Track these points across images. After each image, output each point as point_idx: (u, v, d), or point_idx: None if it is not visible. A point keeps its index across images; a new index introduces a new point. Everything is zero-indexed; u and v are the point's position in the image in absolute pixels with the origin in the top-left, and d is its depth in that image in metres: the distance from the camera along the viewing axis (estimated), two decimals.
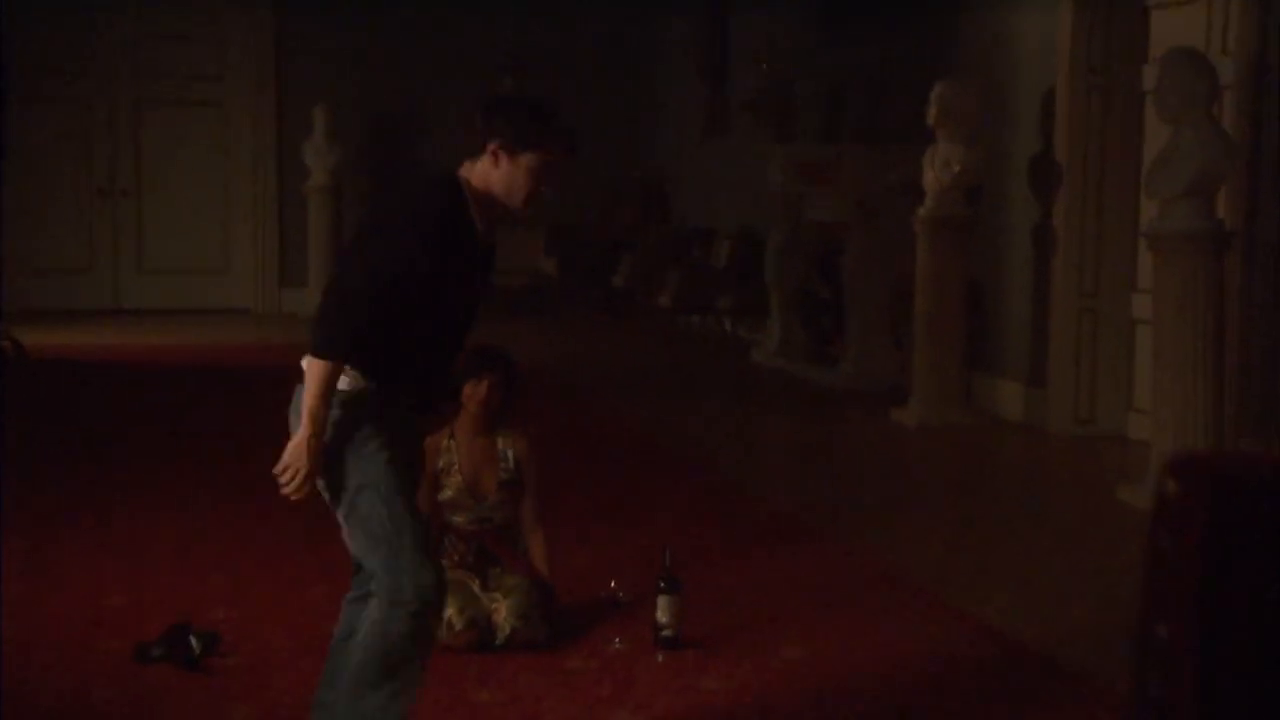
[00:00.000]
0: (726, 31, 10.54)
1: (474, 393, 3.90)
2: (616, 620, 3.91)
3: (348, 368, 2.96)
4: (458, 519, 3.93)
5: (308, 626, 3.80)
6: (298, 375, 2.93)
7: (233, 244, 11.50)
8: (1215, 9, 6.04)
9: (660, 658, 3.70)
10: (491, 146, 3.00)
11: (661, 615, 3.75)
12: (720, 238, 10.19)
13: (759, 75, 9.53)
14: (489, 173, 3.00)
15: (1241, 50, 5.60)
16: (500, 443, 3.97)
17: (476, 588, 3.84)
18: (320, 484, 2.98)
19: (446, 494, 3.93)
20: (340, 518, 3.00)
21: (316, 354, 2.92)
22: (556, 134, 3.05)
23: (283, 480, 2.93)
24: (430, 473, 3.82)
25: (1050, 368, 6.73)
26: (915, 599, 4.23)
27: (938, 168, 6.86)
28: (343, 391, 2.95)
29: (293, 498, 2.93)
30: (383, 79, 11.29)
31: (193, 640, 3.62)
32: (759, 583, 4.35)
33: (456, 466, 3.95)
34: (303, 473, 2.91)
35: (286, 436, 2.93)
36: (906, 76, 7.65)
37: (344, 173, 10.93)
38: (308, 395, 2.93)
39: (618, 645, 3.76)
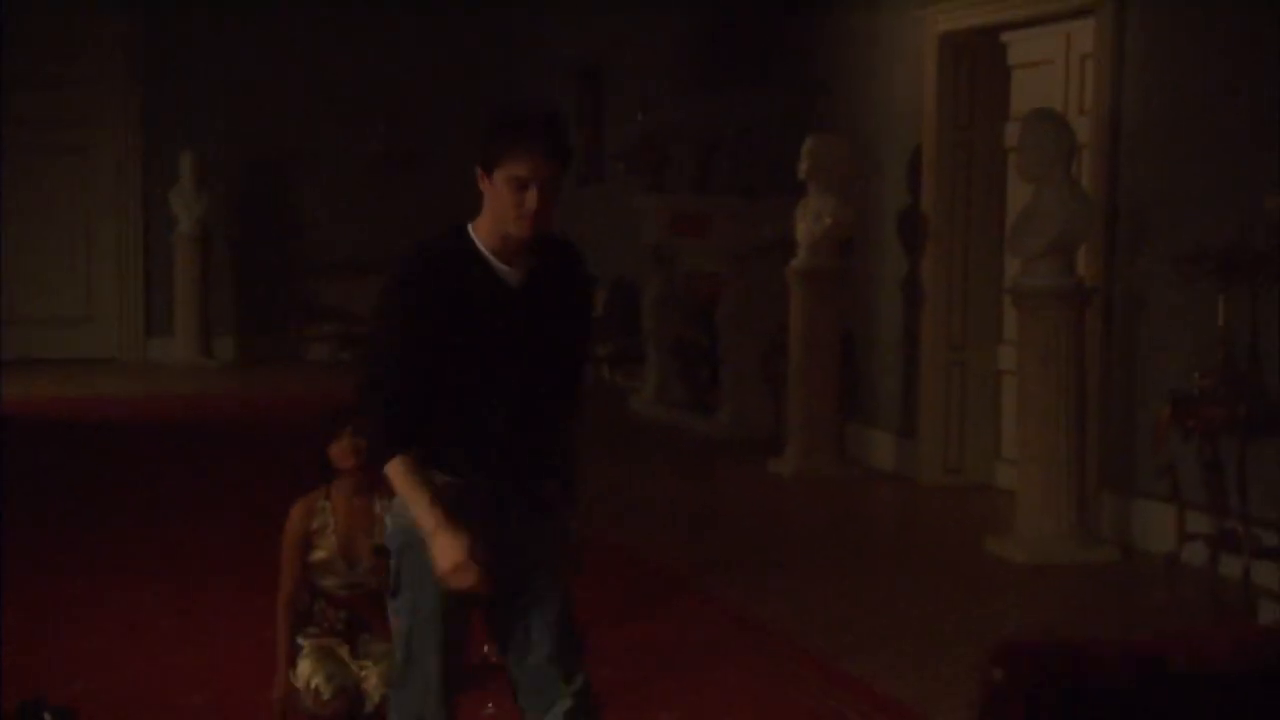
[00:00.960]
0: (600, 80, 10.60)
1: (340, 452, 3.83)
2: (489, 686, 3.87)
3: (433, 472, 2.76)
4: (328, 583, 3.85)
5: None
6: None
7: (97, 293, 11.23)
8: (1072, 69, 6.24)
9: None
10: (479, 173, 2.75)
11: None
12: (597, 286, 10.21)
13: (633, 125, 9.60)
14: (488, 204, 2.72)
15: (1098, 109, 5.79)
16: (378, 506, 3.90)
17: (346, 655, 3.77)
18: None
19: (319, 555, 3.85)
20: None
21: (377, 462, 2.78)
22: (522, 141, 2.67)
23: (459, 585, 2.75)
24: (302, 534, 3.75)
25: (920, 418, 6.85)
26: (792, 656, 4.25)
27: (809, 220, 6.96)
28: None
29: (482, 591, 2.76)
30: (254, 123, 11.15)
31: (46, 717, 3.49)
32: (636, 643, 4.34)
33: (331, 528, 3.87)
34: (466, 572, 2.70)
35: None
36: (779, 130, 7.76)
37: (213, 219, 10.75)
38: (408, 502, 2.76)
39: (489, 711, 3.71)
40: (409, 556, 2.82)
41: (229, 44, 11.08)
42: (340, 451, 3.83)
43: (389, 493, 3.89)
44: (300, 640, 3.80)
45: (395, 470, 2.73)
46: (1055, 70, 6.34)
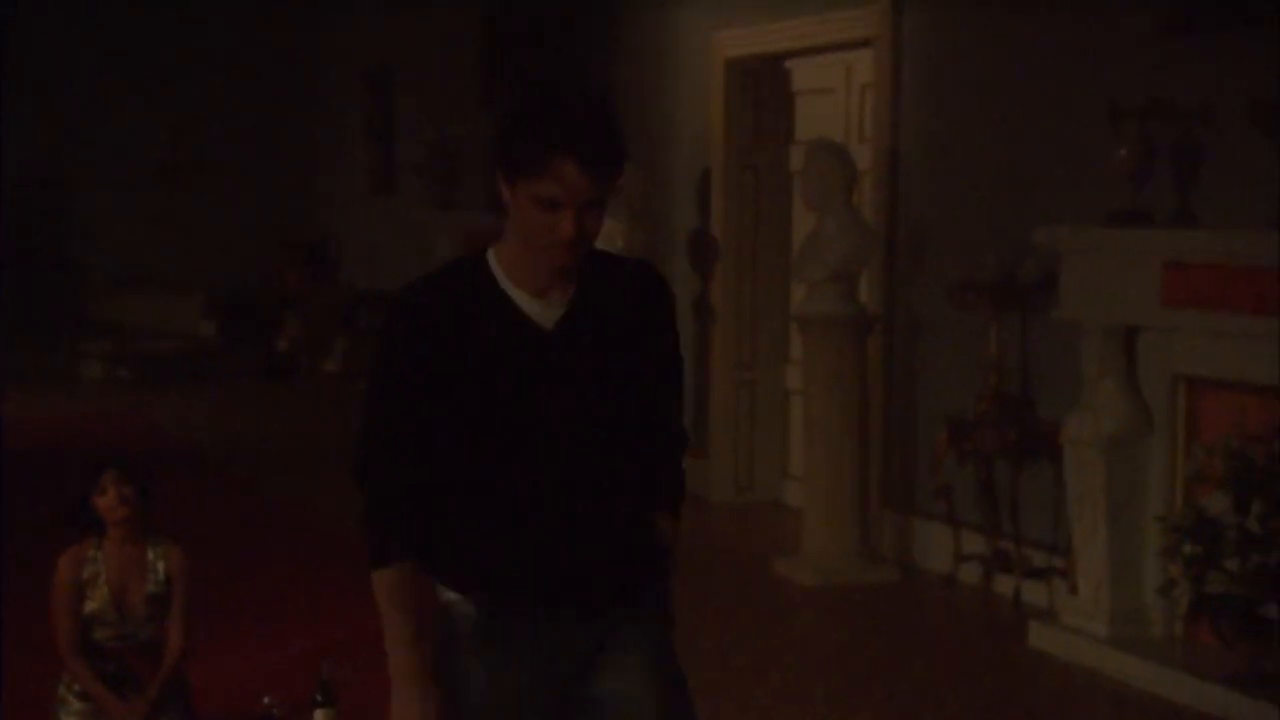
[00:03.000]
0: (391, 87, 10.46)
1: (107, 505, 3.68)
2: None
3: (441, 590, 2.10)
4: (100, 634, 3.70)
5: None
6: None
7: None
8: (853, 98, 6.39)
9: None
10: (498, 176, 2.02)
11: None
12: (388, 300, 10.06)
13: (424, 138, 9.49)
14: (511, 221, 2.03)
15: (877, 138, 5.94)
16: (151, 554, 3.76)
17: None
18: None
19: (91, 606, 3.69)
20: None
21: (372, 570, 2.07)
22: (554, 148, 1.93)
23: None
24: (72, 584, 3.61)
25: (711, 437, 6.93)
26: None
27: (601, 241, 6.97)
28: (439, 616, 2.10)
29: None
30: (28, 133, 10.66)
31: None
32: None
33: (103, 578, 3.71)
34: None
35: None
36: None
37: None
38: (386, 633, 2.07)
39: (267, 702, 3.62)
40: (445, 660, 2.11)
41: (2, 51, 10.57)
42: (107, 504, 3.68)
43: (165, 537, 3.79)
44: (65, 693, 3.66)
45: (380, 586, 2.07)
46: (837, 98, 6.49)
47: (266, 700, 3.91)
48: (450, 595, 2.10)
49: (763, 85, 6.79)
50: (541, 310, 2.05)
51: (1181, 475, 4.38)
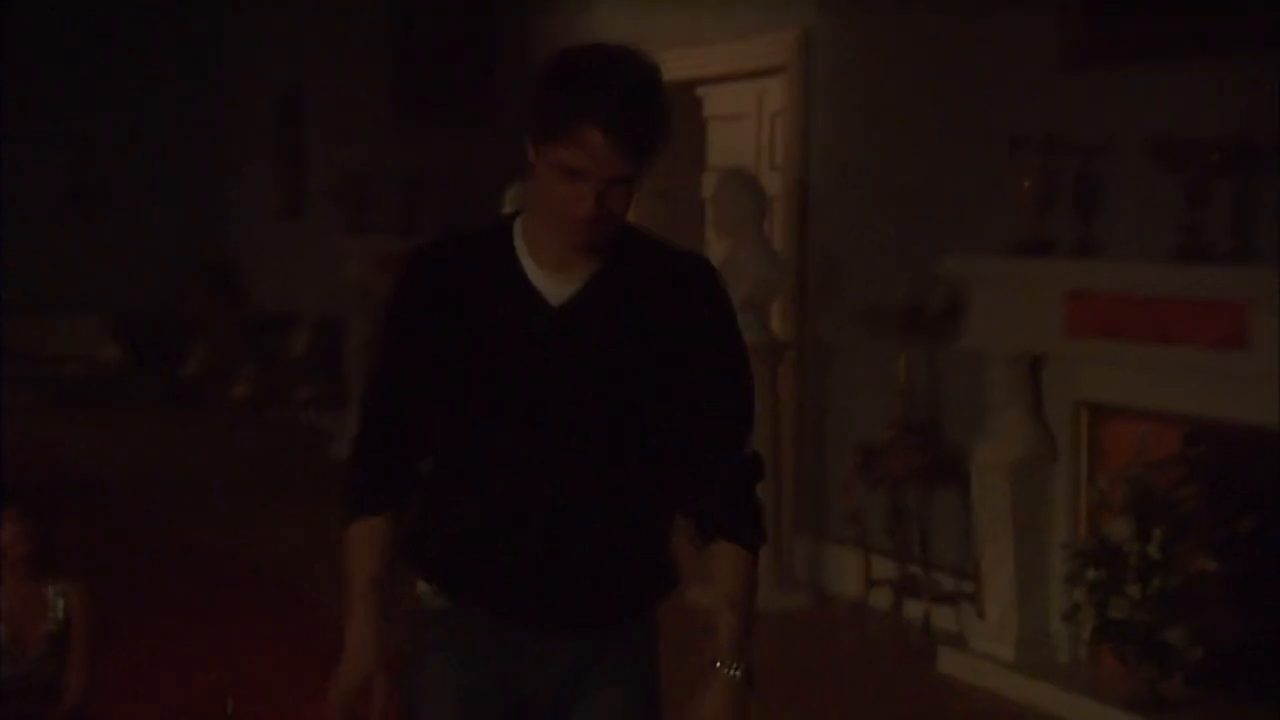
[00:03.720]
0: (300, 110, 10.36)
1: (9, 538, 3.59)
2: None
3: (419, 582, 1.96)
4: None
5: None
6: None
7: None
8: (764, 125, 6.44)
9: None
10: (527, 139, 1.83)
11: None
12: (299, 325, 9.95)
13: (334, 161, 9.41)
14: (534, 185, 1.85)
15: (788, 165, 5.99)
16: (51, 591, 3.68)
17: None
18: None
19: None
20: None
21: (343, 522, 1.95)
22: (583, 114, 1.74)
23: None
24: None
25: None
26: None
27: None
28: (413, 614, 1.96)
29: None
30: None
31: None
32: None
33: None
34: (353, 702, 1.91)
35: None
36: (488, 172, 7.74)
37: None
38: (345, 589, 1.93)
39: (231, 708, 3.54)
40: (410, 674, 1.96)
41: None
42: (6, 542, 3.60)
43: (66, 574, 3.71)
44: None
45: (348, 539, 1.94)
46: (748, 125, 6.53)
47: (229, 702, 3.82)
48: (422, 585, 1.96)
49: (676, 110, 6.79)
50: (554, 285, 1.85)
51: (1085, 501, 4.46)
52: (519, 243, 1.88)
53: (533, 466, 1.85)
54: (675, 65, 6.57)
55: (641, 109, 1.80)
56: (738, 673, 1.94)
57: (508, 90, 7.77)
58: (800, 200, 5.88)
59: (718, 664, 1.94)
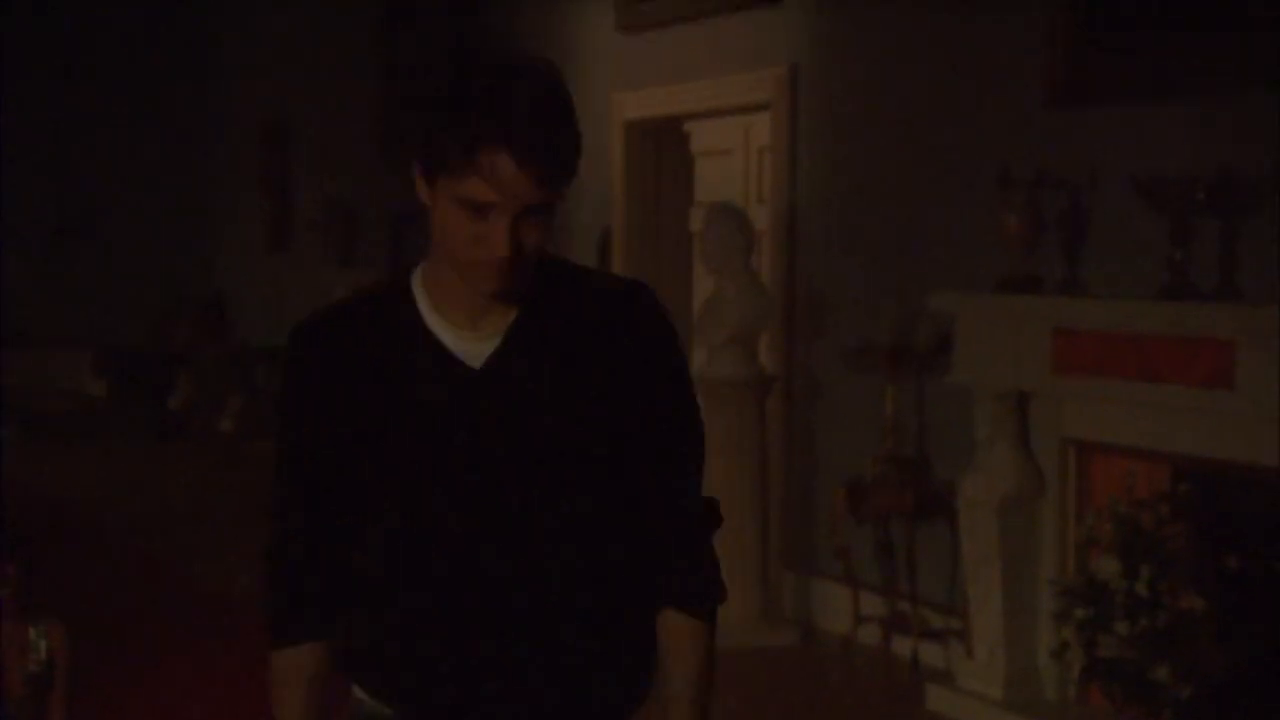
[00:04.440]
0: (288, 146, 10.37)
1: None
2: None
3: (355, 687, 1.72)
4: None
5: None
6: None
7: None
8: (751, 160, 6.45)
9: None
10: (415, 171, 1.61)
11: None
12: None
13: (321, 193, 9.42)
14: (434, 229, 1.61)
15: (775, 200, 6.00)
16: (33, 632, 3.65)
17: None
18: None
19: None
20: None
21: (271, 649, 1.72)
22: (483, 137, 1.51)
23: None
24: None
25: None
26: None
27: None
28: None
29: None
30: None
31: None
32: None
33: None
34: None
35: None
36: None
37: None
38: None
39: None
40: None
41: None
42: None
43: (48, 615, 3.68)
44: None
45: (275, 667, 1.71)
46: (735, 160, 6.55)
47: None
48: (358, 691, 1.72)
49: (663, 145, 6.83)
50: (470, 344, 1.61)
51: (1073, 538, 4.45)
52: (421, 299, 1.64)
53: (477, 553, 1.60)
54: (662, 101, 6.60)
55: (554, 124, 1.55)
56: None
57: None
58: (788, 235, 5.90)
59: None
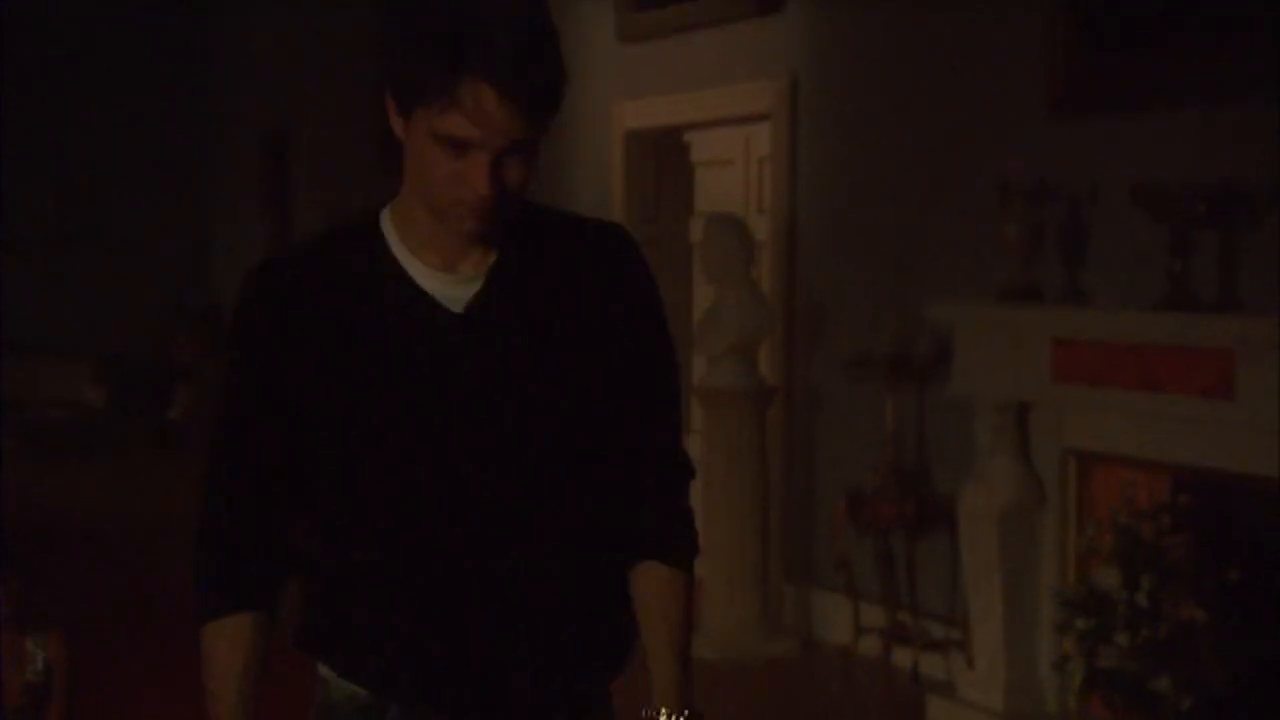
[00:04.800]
0: (288, 155, 10.37)
1: None
2: None
3: (321, 664, 1.64)
4: None
5: None
6: None
7: None
8: (751, 170, 6.46)
9: None
10: (388, 104, 1.53)
11: None
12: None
13: (321, 203, 9.42)
14: (406, 166, 1.54)
15: (775, 210, 6.00)
16: (31, 643, 3.64)
17: None
18: None
19: None
20: None
21: (196, 621, 1.63)
22: (463, 67, 1.41)
23: None
24: None
25: None
26: None
27: None
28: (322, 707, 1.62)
29: None
30: None
31: None
32: None
33: None
34: None
35: None
36: None
37: None
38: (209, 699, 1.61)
39: None
40: None
41: None
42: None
43: (46, 626, 3.67)
44: None
45: (207, 640, 1.62)
46: (736, 170, 6.55)
47: None
48: (325, 670, 1.64)
49: (662, 156, 6.84)
50: (449, 287, 1.52)
51: (1074, 549, 4.44)
52: (393, 240, 1.55)
53: (454, 513, 1.51)
54: (662, 111, 6.60)
55: (539, 54, 1.44)
56: None
57: None
58: (788, 245, 5.89)
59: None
